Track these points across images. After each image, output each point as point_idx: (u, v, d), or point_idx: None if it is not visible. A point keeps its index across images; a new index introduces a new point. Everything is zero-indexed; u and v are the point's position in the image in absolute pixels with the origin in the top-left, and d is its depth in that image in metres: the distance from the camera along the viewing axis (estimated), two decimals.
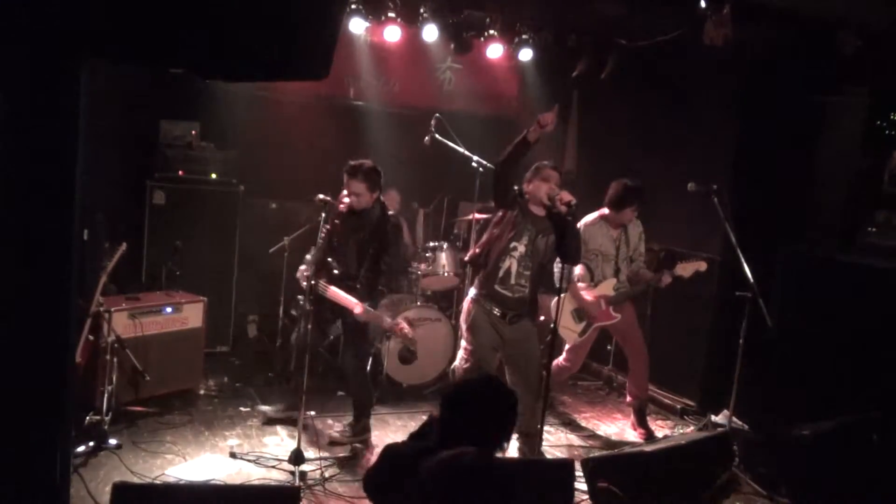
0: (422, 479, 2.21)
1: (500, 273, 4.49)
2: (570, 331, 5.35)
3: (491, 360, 4.63)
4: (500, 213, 4.56)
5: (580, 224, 5.23)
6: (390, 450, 2.59)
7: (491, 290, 4.51)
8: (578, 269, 5.31)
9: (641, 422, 5.55)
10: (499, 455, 2.45)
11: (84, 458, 4.23)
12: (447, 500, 2.23)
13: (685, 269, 5.21)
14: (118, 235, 5.34)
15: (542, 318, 4.66)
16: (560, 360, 5.51)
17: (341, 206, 4.67)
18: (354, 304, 4.60)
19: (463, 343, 4.67)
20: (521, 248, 4.48)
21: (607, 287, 5.36)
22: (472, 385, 2.51)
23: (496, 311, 4.51)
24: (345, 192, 4.63)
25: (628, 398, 5.62)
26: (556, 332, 4.51)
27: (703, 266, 5.21)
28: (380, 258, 4.67)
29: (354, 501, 4.10)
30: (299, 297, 4.89)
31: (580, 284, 5.32)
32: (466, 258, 4.82)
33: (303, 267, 4.80)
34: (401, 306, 5.94)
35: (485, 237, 4.63)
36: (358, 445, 4.77)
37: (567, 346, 5.47)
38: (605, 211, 5.40)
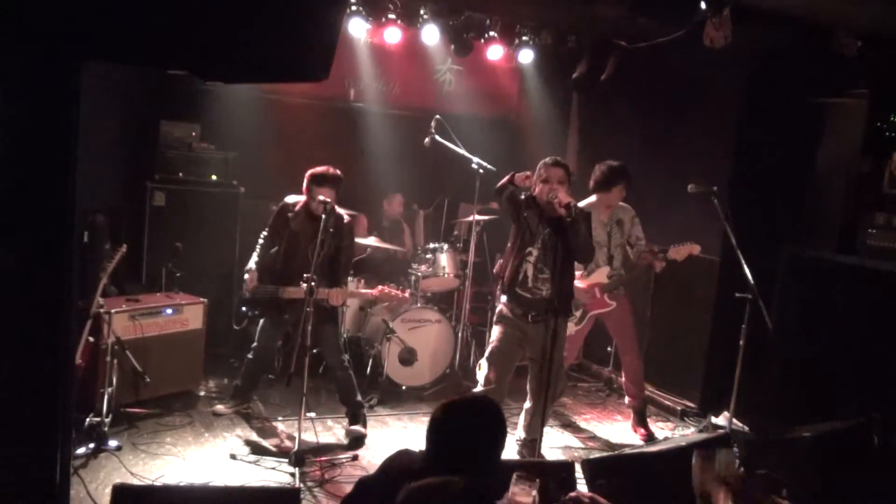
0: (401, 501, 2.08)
1: (519, 277, 4.56)
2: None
3: (513, 354, 4.67)
4: (514, 224, 4.66)
5: None
6: (363, 483, 2.44)
7: (512, 292, 4.59)
8: None
9: (641, 422, 5.55)
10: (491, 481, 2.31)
11: (84, 459, 4.24)
12: None
13: (678, 253, 5.22)
14: (118, 237, 5.35)
15: None
16: None
17: (297, 207, 4.93)
18: (376, 288, 5.01)
19: (491, 336, 4.76)
20: (535, 252, 4.52)
21: (601, 275, 5.40)
22: (460, 405, 2.39)
23: (518, 310, 4.58)
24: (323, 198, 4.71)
25: (627, 399, 5.63)
26: (556, 336, 4.50)
27: (696, 249, 5.22)
28: (339, 256, 4.89)
29: None
30: (244, 308, 5.03)
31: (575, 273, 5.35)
32: (495, 270, 4.95)
33: (247, 276, 4.95)
34: (400, 308, 5.94)
35: (507, 248, 4.73)
36: (357, 453, 4.79)
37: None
38: (593, 198, 5.40)
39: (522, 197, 4.56)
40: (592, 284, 5.38)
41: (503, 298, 4.67)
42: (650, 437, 5.47)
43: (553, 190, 4.35)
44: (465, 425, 2.28)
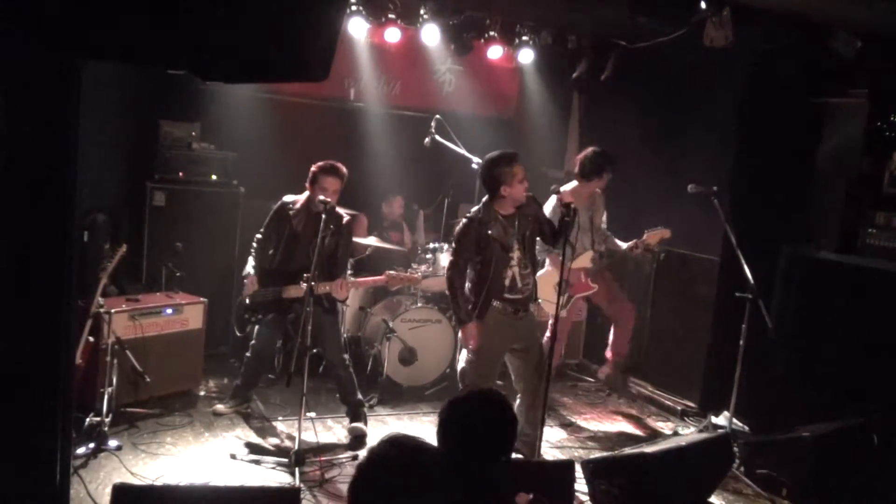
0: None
1: (507, 283, 4.49)
2: (552, 304, 5.40)
3: (499, 360, 4.65)
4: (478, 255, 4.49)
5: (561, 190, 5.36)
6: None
7: (500, 297, 4.50)
8: None
9: (623, 380, 5.92)
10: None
11: (84, 459, 4.24)
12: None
13: (651, 237, 5.40)
14: (118, 237, 5.34)
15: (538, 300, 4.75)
16: (548, 335, 5.56)
17: (297, 205, 4.93)
18: (384, 274, 5.06)
19: (474, 352, 4.59)
20: (516, 254, 4.50)
21: (585, 259, 5.53)
22: (472, 400, 2.45)
23: (510, 310, 4.52)
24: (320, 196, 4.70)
25: (610, 354, 5.83)
26: (556, 335, 4.53)
27: (666, 233, 5.41)
28: (336, 252, 4.87)
29: None
30: (247, 314, 5.04)
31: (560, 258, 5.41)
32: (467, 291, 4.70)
33: (246, 282, 4.96)
34: (400, 308, 5.94)
35: (473, 274, 4.49)
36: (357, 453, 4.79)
37: (551, 321, 5.52)
38: (574, 184, 5.54)
39: (478, 217, 4.44)
40: (578, 269, 5.47)
41: (492, 300, 4.47)
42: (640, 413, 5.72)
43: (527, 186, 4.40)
44: (476, 419, 2.33)
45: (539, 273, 5.11)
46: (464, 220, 4.51)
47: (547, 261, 5.51)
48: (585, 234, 5.49)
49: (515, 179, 4.36)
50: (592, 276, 5.58)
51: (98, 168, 5.24)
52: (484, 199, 4.52)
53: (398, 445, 2.09)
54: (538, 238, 4.69)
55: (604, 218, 5.65)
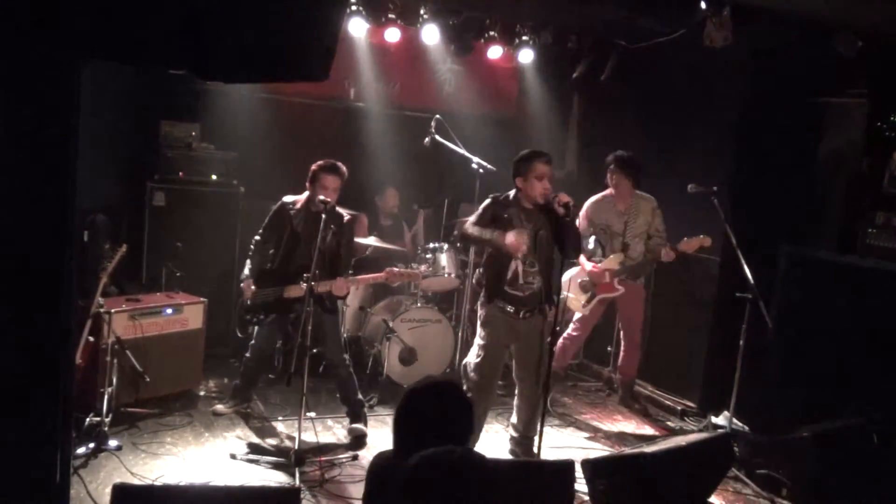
0: (406, 477, 2.12)
1: (508, 275, 4.51)
2: (576, 300, 5.71)
3: (501, 356, 4.67)
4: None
5: (587, 202, 5.72)
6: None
7: (501, 291, 4.53)
8: (591, 244, 5.64)
9: (629, 394, 5.94)
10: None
11: (84, 459, 4.24)
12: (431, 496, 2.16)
13: (689, 245, 5.35)
14: (119, 237, 5.35)
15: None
16: (569, 330, 5.86)
17: (298, 205, 4.94)
18: (385, 271, 5.00)
19: (477, 339, 4.68)
20: (524, 248, 4.49)
21: (613, 261, 5.64)
22: (423, 391, 2.44)
23: (509, 309, 4.53)
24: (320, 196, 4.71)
25: (618, 376, 6.01)
26: (556, 329, 4.53)
27: (707, 241, 5.32)
28: (339, 252, 4.88)
29: (354, 502, 4.11)
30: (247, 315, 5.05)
31: (592, 259, 5.69)
32: (474, 281, 4.93)
33: (243, 286, 4.99)
34: (400, 307, 5.94)
35: (485, 257, 4.65)
36: (357, 453, 4.79)
37: (575, 317, 5.82)
38: (610, 190, 5.73)
39: (501, 199, 4.53)
40: (604, 269, 5.62)
41: (495, 295, 4.54)
42: (645, 414, 5.82)
43: (548, 188, 4.40)
44: (428, 408, 2.33)
45: (567, 272, 5.26)
46: (489, 198, 4.61)
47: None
48: (616, 239, 5.66)
49: (532, 174, 4.40)
50: (619, 280, 5.64)
51: (98, 168, 5.24)
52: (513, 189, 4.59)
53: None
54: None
55: (658, 224, 5.67)
